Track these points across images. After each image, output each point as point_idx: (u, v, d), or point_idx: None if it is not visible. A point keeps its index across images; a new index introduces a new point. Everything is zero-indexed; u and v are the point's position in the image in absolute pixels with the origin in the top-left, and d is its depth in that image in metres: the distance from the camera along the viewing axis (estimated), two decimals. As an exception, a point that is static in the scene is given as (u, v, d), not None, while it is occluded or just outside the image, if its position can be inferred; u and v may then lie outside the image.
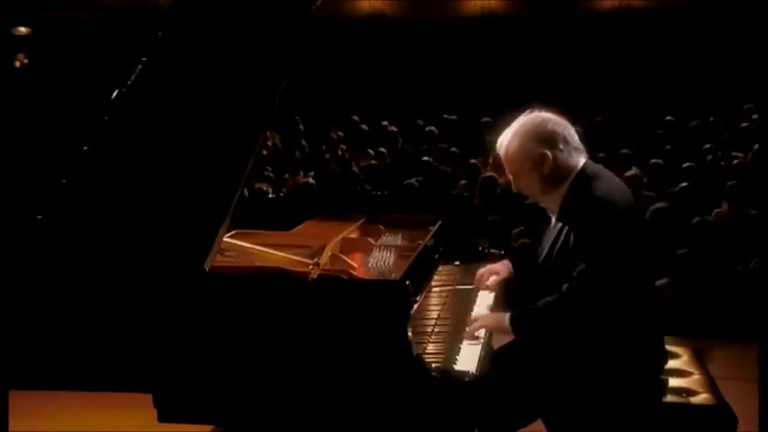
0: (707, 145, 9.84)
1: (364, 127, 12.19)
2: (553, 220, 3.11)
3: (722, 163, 9.07)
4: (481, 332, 3.08)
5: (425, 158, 9.66)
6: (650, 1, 14.43)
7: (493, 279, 3.50)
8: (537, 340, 2.99)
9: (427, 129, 11.71)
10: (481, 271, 3.54)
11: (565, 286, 2.89)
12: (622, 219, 2.91)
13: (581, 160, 3.05)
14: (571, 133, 3.07)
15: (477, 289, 3.53)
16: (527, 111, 3.12)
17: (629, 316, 2.90)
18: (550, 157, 2.99)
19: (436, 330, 3.10)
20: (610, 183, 3.02)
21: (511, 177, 3.13)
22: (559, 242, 3.01)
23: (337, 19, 13.73)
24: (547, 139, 3.02)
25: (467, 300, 3.47)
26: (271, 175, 9.32)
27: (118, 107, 2.90)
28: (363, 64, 14.14)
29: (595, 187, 2.95)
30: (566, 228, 2.98)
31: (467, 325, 3.11)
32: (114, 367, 2.73)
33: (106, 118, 2.90)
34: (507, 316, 3.00)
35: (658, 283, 6.14)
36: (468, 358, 2.89)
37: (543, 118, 3.07)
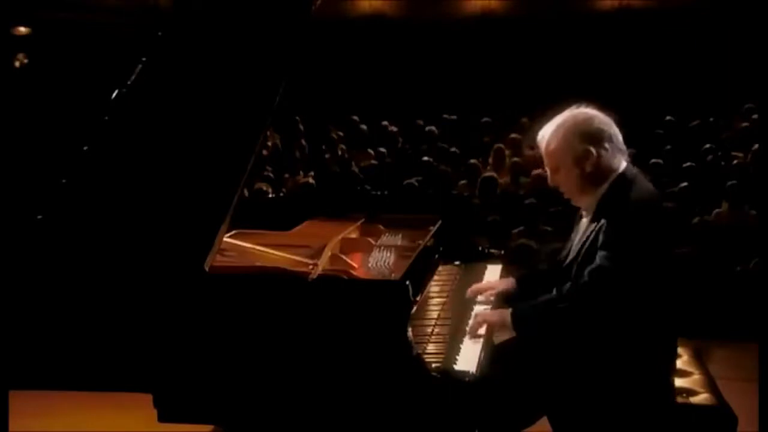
0: (707, 145, 9.84)
1: (364, 127, 12.18)
2: (584, 221, 3.08)
3: (722, 163, 9.07)
4: (483, 329, 3.07)
5: (425, 158, 9.66)
6: (650, 1, 14.43)
7: (489, 293, 3.48)
8: (538, 337, 2.98)
9: (427, 129, 11.70)
10: (477, 286, 3.50)
11: (568, 284, 2.88)
12: (656, 226, 2.90)
13: (623, 162, 3.02)
14: (616, 132, 3.02)
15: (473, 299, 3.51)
16: (573, 106, 3.07)
17: (646, 318, 2.88)
18: (595, 154, 2.96)
19: (436, 330, 3.10)
20: (649, 189, 2.99)
21: (549, 171, 3.09)
22: (588, 242, 2.97)
23: (337, 19, 13.72)
24: (593, 136, 2.98)
25: (467, 300, 3.47)
26: (271, 175, 9.32)
27: (118, 107, 2.91)
28: (363, 64, 14.13)
29: (636, 191, 2.93)
30: (598, 229, 2.93)
31: (470, 321, 3.11)
32: (114, 367, 2.73)
33: (106, 118, 2.90)
34: (509, 311, 2.99)
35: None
36: (468, 358, 2.89)
37: (590, 115, 3.03)
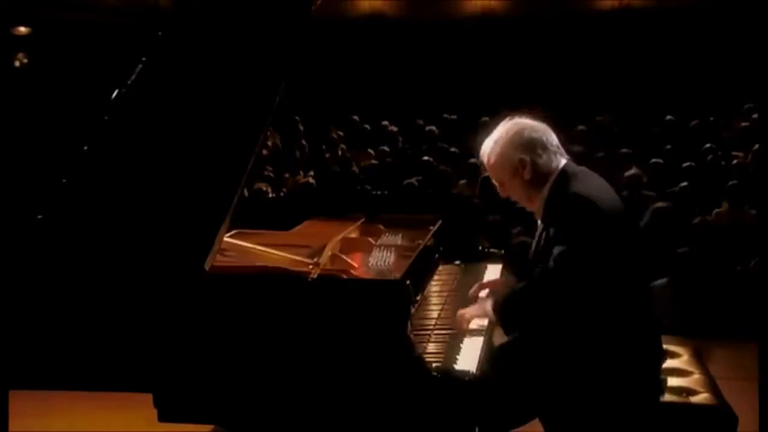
0: (707, 145, 9.83)
1: (367, 126, 12.18)
2: (539, 223, 3.15)
3: (722, 163, 9.06)
4: (476, 323, 3.13)
5: (425, 158, 9.66)
6: (650, 1, 14.43)
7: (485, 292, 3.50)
8: (515, 325, 3.05)
9: (427, 129, 11.70)
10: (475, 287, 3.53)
11: (536, 272, 2.99)
12: (600, 215, 2.93)
13: (561, 161, 3.10)
14: (549, 137, 3.13)
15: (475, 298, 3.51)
16: (506, 119, 3.19)
17: (617, 314, 2.92)
18: (529, 162, 3.06)
19: (436, 330, 3.10)
20: (590, 181, 3.06)
21: (496, 184, 3.20)
22: (541, 242, 3.07)
23: (337, 19, 13.72)
24: (524, 145, 3.09)
25: (468, 299, 3.47)
26: (271, 175, 9.32)
27: (118, 107, 2.91)
28: (363, 64, 14.13)
29: (574, 185, 3.01)
30: (547, 229, 3.03)
31: (458, 321, 3.14)
32: (114, 367, 2.73)
33: (106, 118, 2.90)
34: (490, 302, 3.08)
35: (658, 282, 6.15)
36: (468, 358, 2.89)
37: (520, 126, 3.14)
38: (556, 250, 2.90)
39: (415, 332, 2.74)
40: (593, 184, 3.05)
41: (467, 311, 3.15)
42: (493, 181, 3.21)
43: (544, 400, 2.98)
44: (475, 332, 3.11)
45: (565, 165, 3.10)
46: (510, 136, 3.11)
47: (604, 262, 2.89)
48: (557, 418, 3.01)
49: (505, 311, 3.01)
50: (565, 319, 2.91)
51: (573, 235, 2.89)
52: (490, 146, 3.16)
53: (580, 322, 2.91)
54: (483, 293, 3.47)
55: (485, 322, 3.18)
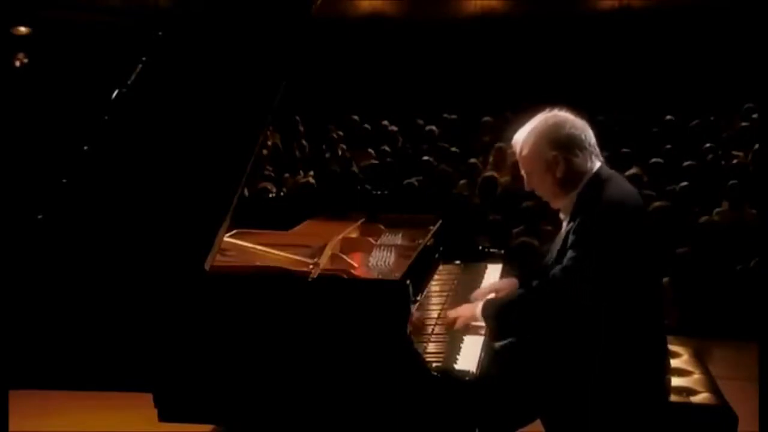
0: (707, 145, 9.84)
1: (367, 126, 12.18)
2: (564, 225, 3.09)
3: (722, 163, 9.07)
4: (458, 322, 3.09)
5: (425, 158, 9.67)
6: (650, 1, 14.44)
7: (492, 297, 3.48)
8: (507, 330, 3.02)
9: (427, 128, 11.71)
10: (484, 289, 3.48)
11: (536, 282, 2.93)
12: (624, 225, 2.89)
13: (596, 164, 3.03)
14: (588, 136, 3.04)
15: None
16: (547, 110, 3.09)
17: (627, 316, 2.90)
18: (564, 160, 2.98)
19: (436, 330, 3.10)
20: (622, 187, 3.00)
21: (524, 175, 3.12)
22: (564, 243, 2.99)
23: (337, 19, 13.73)
24: (562, 142, 3.00)
25: (467, 300, 3.46)
26: (272, 174, 9.32)
27: (118, 107, 2.91)
28: (363, 64, 14.14)
29: (608, 190, 2.94)
30: (573, 232, 2.95)
31: (445, 321, 3.11)
32: (114, 367, 2.73)
33: (107, 118, 2.90)
34: (480, 304, 3.04)
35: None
36: (468, 358, 2.89)
37: (560, 120, 3.04)
38: (565, 261, 2.85)
39: (415, 332, 2.74)
40: (625, 192, 2.97)
41: (458, 312, 3.10)
42: (522, 172, 3.12)
43: (548, 401, 2.97)
44: (475, 332, 3.11)
45: (599, 168, 3.01)
46: (547, 130, 3.01)
47: (626, 270, 2.85)
48: (560, 419, 3.00)
49: (495, 317, 2.98)
50: (573, 325, 2.87)
51: (598, 244, 2.83)
52: (524, 136, 3.05)
53: (589, 326, 2.88)
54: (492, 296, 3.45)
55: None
